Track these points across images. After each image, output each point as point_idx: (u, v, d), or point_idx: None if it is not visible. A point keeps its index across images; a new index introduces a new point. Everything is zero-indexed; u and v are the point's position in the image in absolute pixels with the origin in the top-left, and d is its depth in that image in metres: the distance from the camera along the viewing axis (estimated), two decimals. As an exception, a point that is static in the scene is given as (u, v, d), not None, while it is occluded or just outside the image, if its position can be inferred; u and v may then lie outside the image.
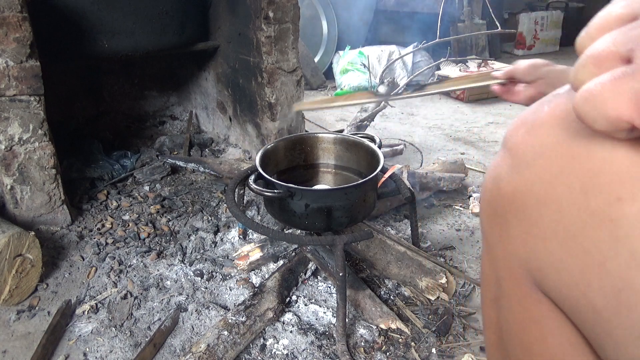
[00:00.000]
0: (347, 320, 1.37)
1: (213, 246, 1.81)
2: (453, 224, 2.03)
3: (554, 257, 0.37)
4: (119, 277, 1.64)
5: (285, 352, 1.35)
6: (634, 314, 0.32)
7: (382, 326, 1.41)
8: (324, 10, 4.28)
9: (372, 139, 1.66)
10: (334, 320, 1.44)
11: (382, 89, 2.64)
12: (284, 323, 1.43)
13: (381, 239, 1.64)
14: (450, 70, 4.00)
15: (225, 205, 2.04)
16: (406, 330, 1.41)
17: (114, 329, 1.44)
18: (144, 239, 1.84)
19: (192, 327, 1.45)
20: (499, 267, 0.44)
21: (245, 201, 1.97)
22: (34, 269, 1.55)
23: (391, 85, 2.64)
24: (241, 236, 1.83)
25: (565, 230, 0.36)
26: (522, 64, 1.06)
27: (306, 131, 2.50)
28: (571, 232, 0.35)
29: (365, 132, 2.14)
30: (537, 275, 0.40)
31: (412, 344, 1.38)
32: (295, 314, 1.47)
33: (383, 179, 1.56)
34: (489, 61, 4.09)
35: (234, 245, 1.81)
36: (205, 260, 1.71)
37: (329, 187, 1.68)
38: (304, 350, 1.35)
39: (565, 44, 5.63)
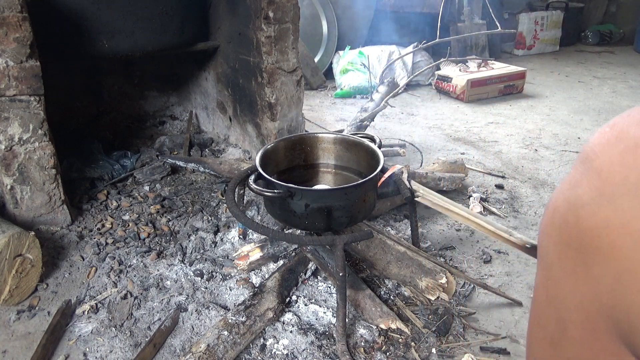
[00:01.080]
0: (347, 320, 1.37)
1: (213, 246, 1.81)
2: (453, 224, 2.03)
3: None
4: (119, 277, 1.64)
5: (285, 352, 1.35)
6: None
7: (382, 326, 1.41)
8: (324, 10, 4.28)
9: (372, 139, 1.66)
10: (334, 320, 1.44)
11: (382, 89, 2.64)
12: (284, 323, 1.43)
13: (381, 239, 1.64)
14: (450, 70, 3.99)
15: (225, 205, 2.04)
16: (406, 330, 1.41)
17: (114, 329, 1.44)
18: (144, 239, 1.84)
19: (192, 327, 1.45)
20: (564, 307, 0.37)
21: (245, 201, 1.97)
22: (34, 269, 1.55)
23: (391, 85, 2.64)
24: (241, 236, 1.83)
25: None
26: None
27: (306, 131, 2.50)
28: None
29: (365, 132, 2.14)
30: (625, 328, 0.33)
31: (412, 344, 1.38)
32: (295, 314, 1.47)
33: (383, 179, 1.56)
34: (489, 61, 4.09)
35: (234, 245, 1.81)
36: (205, 260, 1.71)
37: (329, 187, 1.68)
38: (304, 350, 1.35)
39: (565, 44, 5.63)
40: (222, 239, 1.84)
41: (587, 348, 0.36)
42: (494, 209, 2.13)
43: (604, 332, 0.34)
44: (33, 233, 1.54)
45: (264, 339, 1.39)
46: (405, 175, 1.66)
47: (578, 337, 0.37)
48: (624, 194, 0.31)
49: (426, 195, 1.59)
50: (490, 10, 3.88)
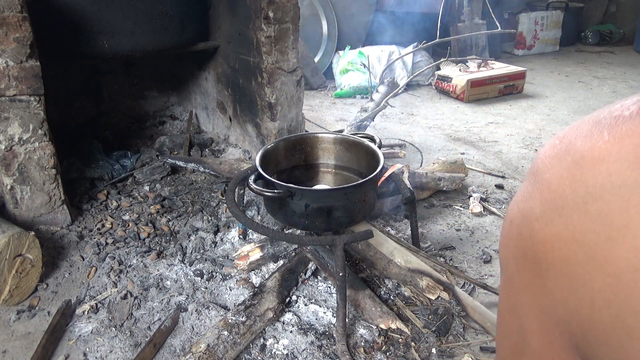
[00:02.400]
0: (347, 320, 1.37)
1: (213, 246, 1.81)
2: (453, 224, 2.03)
3: (606, 330, 0.29)
4: (119, 277, 1.64)
5: (285, 352, 1.35)
6: None
7: (382, 326, 1.41)
8: (324, 10, 4.28)
9: (372, 139, 1.66)
10: (334, 320, 1.44)
11: (382, 89, 2.65)
12: (284, 323, 1.43)
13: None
14: (450, 70, 3.99)
15: (225, 205, 2.04)
16: (406, 330, 1.41)
17: (114, 329, 1.44)
18: (144, 239, 1.84)
19: (192, 327, 1.45)
20: (525, 317, 0.37)
21: (245, 201, 1.97)
22: (34, 269, 1.55)
23: (391, 85, 2.64)
24: (241, 236, 1.83)
25: (624, 302, 0.28)
26: None
27: (306, 131, 2.50)
28: (634, 306, 0.27)
29: (365, 132, 2.14)
30: (579, 342, 0.32)
31: (412, 344, 1.38)
32: (295, 314, 1.47)
33: (382, 179, 1.56)
34: (489, 61, 4.09)
35: (234, 245, 1.81)
36: (205, 260, 1.71)
37: (329, 187, 1.68)
38: (304, 350, 1.35)
39: (565, 44, 5.63)
40: (222, 239, 1.84)
41: (546, 358, 0.36)
42: (494, 209, 2.13)
43: (560, 344, 0.34)
44: (33, 233, 1.54)
45: (264, 339, 1.39)
46: (405, 175, 1.67)
47: (538, 348, 0.37)
48: (573, 208, 0.30)
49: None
50: (490, 10, 3.88)
